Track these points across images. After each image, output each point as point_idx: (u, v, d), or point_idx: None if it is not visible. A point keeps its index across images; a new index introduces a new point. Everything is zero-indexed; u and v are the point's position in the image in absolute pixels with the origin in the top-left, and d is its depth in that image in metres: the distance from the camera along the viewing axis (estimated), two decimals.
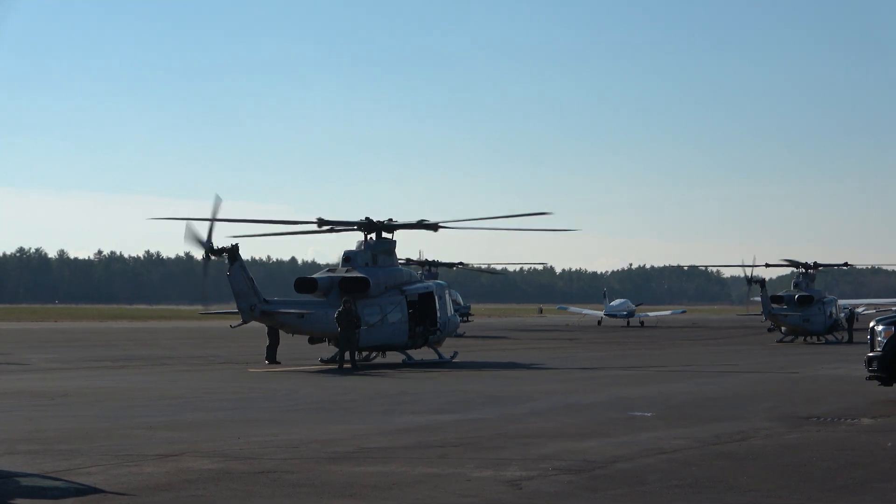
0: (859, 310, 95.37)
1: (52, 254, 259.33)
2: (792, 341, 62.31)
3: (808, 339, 63.36)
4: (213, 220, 35.99)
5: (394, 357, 39.90)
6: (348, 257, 39.85)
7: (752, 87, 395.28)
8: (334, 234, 40.86)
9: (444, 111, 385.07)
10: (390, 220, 40.33)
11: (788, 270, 71.95)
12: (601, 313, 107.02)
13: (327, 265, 43.91)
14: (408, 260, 73.10)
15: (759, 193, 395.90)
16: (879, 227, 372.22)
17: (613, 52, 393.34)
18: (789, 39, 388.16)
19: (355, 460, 15.25)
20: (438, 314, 40.62)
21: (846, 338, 63.89)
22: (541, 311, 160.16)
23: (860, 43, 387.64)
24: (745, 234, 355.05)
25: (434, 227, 40.53)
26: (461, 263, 79.70)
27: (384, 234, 40.38)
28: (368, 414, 22.09)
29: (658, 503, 12.48)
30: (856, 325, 67.44)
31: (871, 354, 24.12)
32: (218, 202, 35.85)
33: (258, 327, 40.18)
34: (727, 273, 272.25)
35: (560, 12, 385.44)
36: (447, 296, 42.34)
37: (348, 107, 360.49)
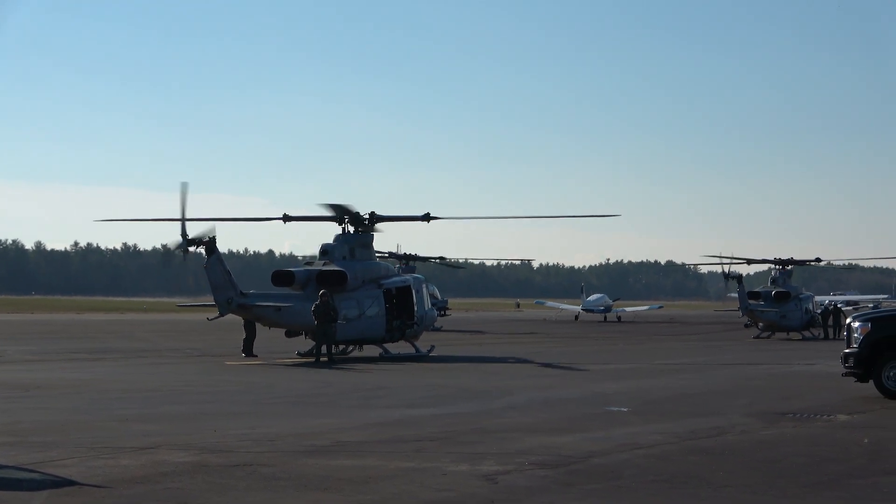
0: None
1: (28, 245, 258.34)
2: (769, 337, 62.54)
3: (783, 334, 63.66)
4: (183, 218, 36.07)
5: (371, 351, 39.85)
6: (326, 250, 39.76)
7: (729, 85, 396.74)
8: (312, 227, 40.84)
9: (428, 108, 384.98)
10: (372, 213, 40.19)
11: (765, 267, 72.24)
12: (578, 308, 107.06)
13: (304, 258, 43.80)
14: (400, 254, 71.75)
15: (737, 190, 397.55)
16: (856, 224, 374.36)
17: (593, 51, 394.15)
18: (767, 37, 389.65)
19: (332, 454, 15.23)
20: (416, 308, 40.58)
21: (822, 334, 64.12)
22: (518, 305, 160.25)
23: (837, 39, 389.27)
24: (722, 230, 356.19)
25: (426, 217, 40.46)
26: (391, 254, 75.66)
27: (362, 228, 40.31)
28: (345, 408, 22.07)
29: (633, 498, 12.50)
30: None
31: (847, 351, 24.23)
32: (185, 190, 36.16)
33: (235, 320, 40.08)
34: (704, 269, 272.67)
35: (545, 13, 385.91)
36: (425, 290, 42.32)
37: (331, 101, 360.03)
